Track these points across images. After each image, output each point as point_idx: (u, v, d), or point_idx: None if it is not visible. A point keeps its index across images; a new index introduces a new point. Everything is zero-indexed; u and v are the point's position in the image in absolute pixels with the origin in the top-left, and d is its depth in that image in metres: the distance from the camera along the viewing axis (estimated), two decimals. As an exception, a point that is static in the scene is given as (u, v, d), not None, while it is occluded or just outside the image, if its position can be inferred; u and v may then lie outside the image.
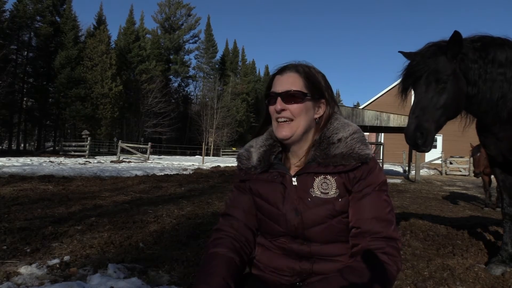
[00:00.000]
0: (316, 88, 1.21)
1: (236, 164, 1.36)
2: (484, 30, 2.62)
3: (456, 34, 2.29)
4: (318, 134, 1.22)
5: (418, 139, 2.33)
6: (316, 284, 1.10)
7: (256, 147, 1.28)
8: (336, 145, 1.17)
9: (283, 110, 1.18)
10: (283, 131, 1.19)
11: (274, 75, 1.25)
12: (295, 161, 1.25)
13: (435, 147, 27.75)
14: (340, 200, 1.15)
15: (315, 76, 1.23)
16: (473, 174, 7.51)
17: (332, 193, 1.15)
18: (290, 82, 1.19)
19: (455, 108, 2.49)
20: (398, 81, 2.64)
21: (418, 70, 2.43)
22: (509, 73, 2.43)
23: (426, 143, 2.34)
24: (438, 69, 2.38)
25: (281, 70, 1.24)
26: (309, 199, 1.16)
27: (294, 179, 1.20)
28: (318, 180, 1.17)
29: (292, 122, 1.19)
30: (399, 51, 2.66)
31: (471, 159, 7.57)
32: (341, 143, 1.17)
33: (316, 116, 1.23)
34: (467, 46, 2.44)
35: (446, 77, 2.37)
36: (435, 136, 2.42)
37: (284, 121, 1.19)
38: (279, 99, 1.18)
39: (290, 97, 1.18)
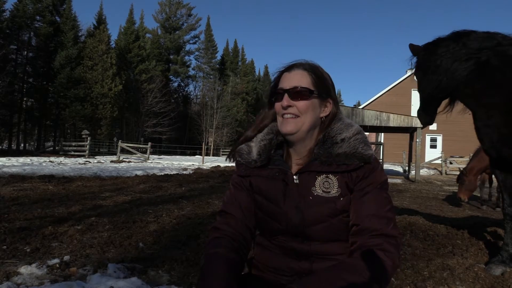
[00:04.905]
0: (324, 86, 1.21)
1: (235, 162, 1.33)
2: (485, 29, 2.80)
3: (410, 47, 3.10)
4: (322, 134, 1.21)
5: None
6: (307, 279, 1.06)
7: (256, 141, 1.27)
8: (340, 145, 1.17)
9: (289, 106, 1.17)
10: (288, 126, 1.18)
11: (282, 72, 1.24)
12: (297, 159, 1.24)
13: (435, 146, 27.79)
14: (341, 199, 1.15)
15: (323, 74, 1.23)
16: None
17: (334, 192, 1.15)
18: (298, 79, 1.19)
19: (430, 89, 3.06)
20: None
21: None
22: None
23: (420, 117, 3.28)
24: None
25: (289, 68, 1.23)
26: (311, 198, 1.16)
27: (295, 177, 1.20)
28: (320, 179, 1.17)
29: (298, 118, 1.18)
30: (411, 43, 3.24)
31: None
32: (345, 143, 1.17)
33: (322, 115, 1.22)
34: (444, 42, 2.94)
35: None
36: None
37: (290, 117, 1.18)
38: (286, 95, 1.18)
39: (297, 93, 1.17)
